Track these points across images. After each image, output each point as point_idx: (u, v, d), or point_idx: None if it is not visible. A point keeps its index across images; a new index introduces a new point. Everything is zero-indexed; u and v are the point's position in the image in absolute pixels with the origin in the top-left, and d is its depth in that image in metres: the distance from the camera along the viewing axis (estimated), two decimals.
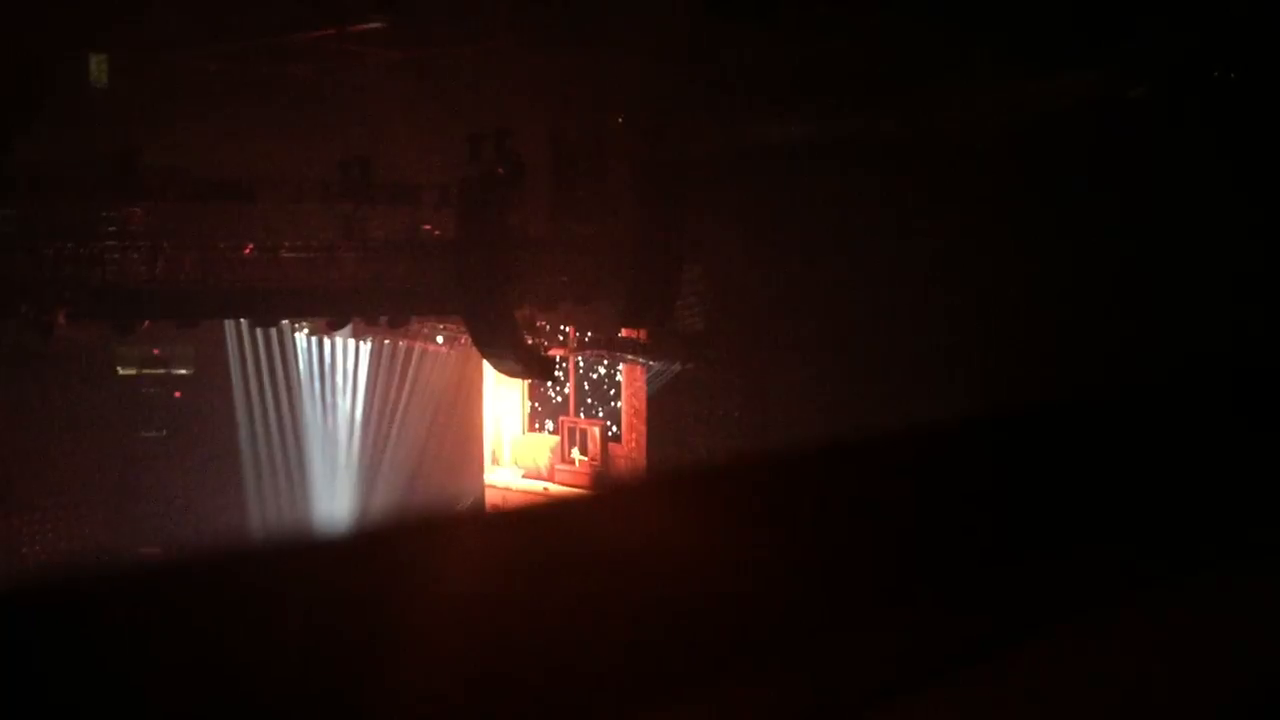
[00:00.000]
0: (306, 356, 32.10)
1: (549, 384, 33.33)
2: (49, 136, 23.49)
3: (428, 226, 26.19)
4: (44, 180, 22.63)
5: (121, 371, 33.92)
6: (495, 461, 35.17)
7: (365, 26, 25.20)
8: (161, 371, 34.70)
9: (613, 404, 33.16)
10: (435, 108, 26.11)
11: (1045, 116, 22.35)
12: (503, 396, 35.06)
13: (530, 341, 27.98)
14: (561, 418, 34.29)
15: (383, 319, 27.54)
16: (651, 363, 30.16)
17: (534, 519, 4.53)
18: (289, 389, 32.56)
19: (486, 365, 31.97)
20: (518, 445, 35.09)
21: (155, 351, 33.98)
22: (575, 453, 33.29)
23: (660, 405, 30.55)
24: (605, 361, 32.75)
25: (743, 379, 28.11)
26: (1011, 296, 22.68)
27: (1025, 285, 22.45)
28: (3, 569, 31.80)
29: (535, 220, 26.08)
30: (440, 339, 31.08)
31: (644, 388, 31.29)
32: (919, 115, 23.50)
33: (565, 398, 34.21)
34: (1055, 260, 22.25)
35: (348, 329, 29.44)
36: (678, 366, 29.16)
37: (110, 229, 23.15)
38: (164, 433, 35.68)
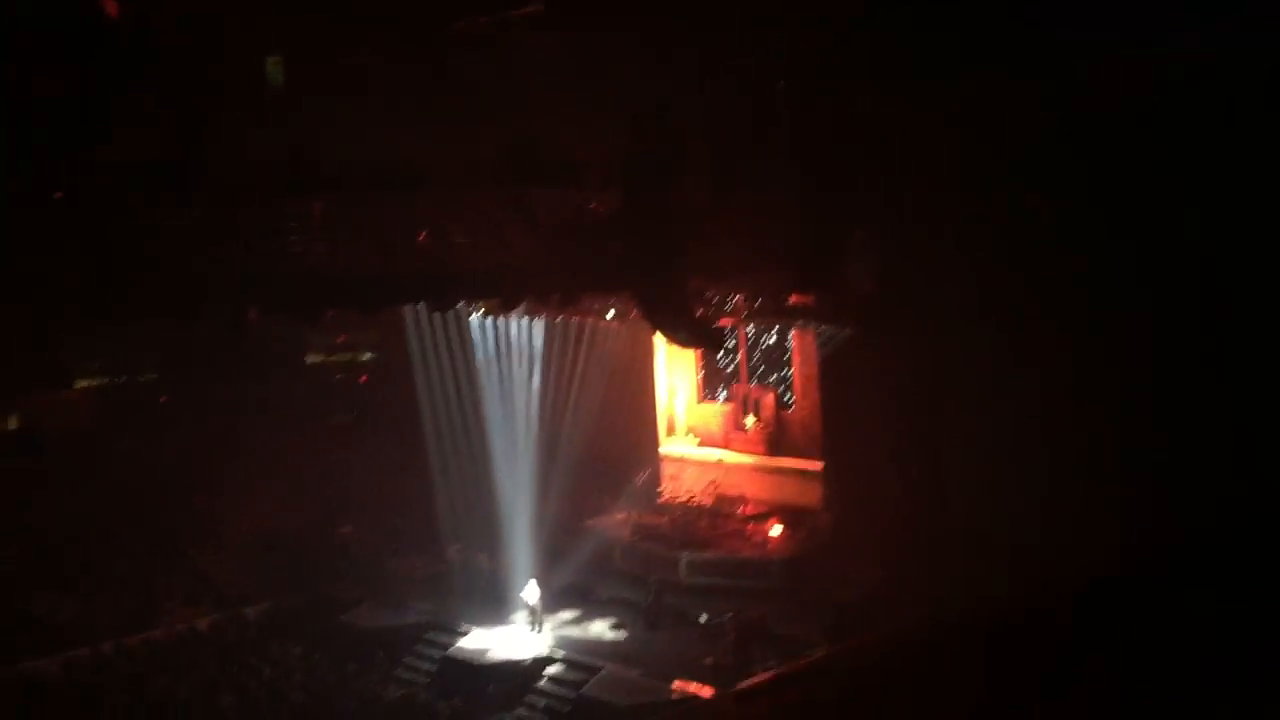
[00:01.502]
0: (483, 337, 32.80)
1: (720, 353, 33.47)
2: (229, 137, 24.43)
3: (594, 205, 26.39)
4: (226, 180, 23.53)
5: (310, 360, 35.41)
6: (670, 431, 35.54)
7: (524, 10, 25.49)
8: (347, 357, 36.11)
9: (784, 370, 33.13)
10: (596, 86, 26.26)
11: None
12: (675, 367, 35.36)
13: (699, 312, 28.03)
14: (734, 385, 34.43)
15: (554, 297, 27.91)
16: (822, 328, 29.91)
17: None
18: (468, 369, 33.34)
19: (658, 337, 32.24)
20: (691, 414, 35.38)
21: (340, 339, 35.35)
22: (749, 419, 33.39)
23: (833, 370, 30.32)
24: (775, 328, 32.70)
25: (915, 344, 27.61)
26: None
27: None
28: (210, 549, 33.61)
29: (700, 192, 26.04)
30: (611, 314, 31.41)
31: (816, 353, 31.13)
32: (1090, 81, 22.67)
33: (736, 366, 34.32)
34: None
35: (521, 309, 29.95)
36: (849, 331, 28.81)
37: (291, 224, 23.95)
38: (353, 416, 37.11)
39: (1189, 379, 22.76)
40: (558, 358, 33.23)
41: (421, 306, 31.57)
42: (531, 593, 28.45)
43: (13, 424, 35.02)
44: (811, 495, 31.25)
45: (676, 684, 24.90)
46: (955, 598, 23.79)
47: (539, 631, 28.21)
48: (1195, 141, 21.73)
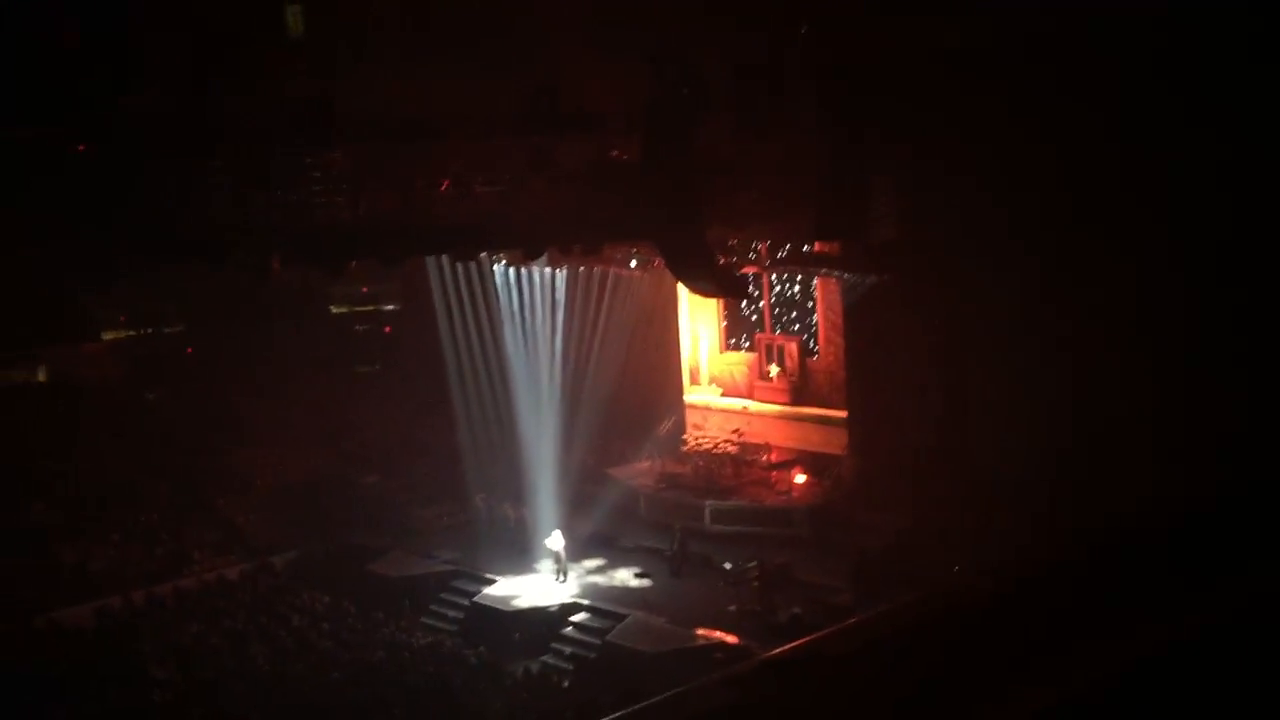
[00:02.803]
0: (506, 286, 32.79)
1: (743, 302, 33.39)
2: (251, 87, 24.37)
3: (616, 153, 26.25)
4: (249, 130, 23.48)
5: (334, 310, 35.62)
6: (694, 381, 35.56)
7: None
8: (371, 308, 36.33)
9: (808, 318, 33.04)
10: (618, 33, 26.04)
11: None
12: (698, 316, 35.32)
13: (722, 261, 27.92)
14: (757, 334, 34.38)
15: (577, 247, 27.85)
16: (846, 275, 29.77)
17: None
18: (491, 319, 33.38)
19: (681, 287, 32.17)
20: (715, 363, 35.37)
21: (364, 290, 35.54)
22: (773, 368, 33.35)
23: (857, 318, 30.20)
24: (799, 277, 32.58)
25: (939, 290, 27.45)
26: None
27: None
28: (238, 499, 33.92)
29: (722, 140, 25.86)
30: (634, 263, 31.31)
31: (840, 301, 31.02)
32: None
33: (760, 314, 34.23)
34: None
35: (544, 258, 29.91)
36: (873, 279, 28.66)
37: (314, 174, 23.93)
38: (377, 366, 37.35)
39: (1222, 325, 22.52)
40: (581, 307, 33.19)
41: (444, 257, 31.60)
42: (556, 541, 28.63)
43: (41, 376, 35.36)
44: (835, 443, 31.25)
45: (701, 631, 25.07)
46: (977, 546, 23.79)
47: (564, 579, 28.42)
48: (1206, 74, 21.34)
